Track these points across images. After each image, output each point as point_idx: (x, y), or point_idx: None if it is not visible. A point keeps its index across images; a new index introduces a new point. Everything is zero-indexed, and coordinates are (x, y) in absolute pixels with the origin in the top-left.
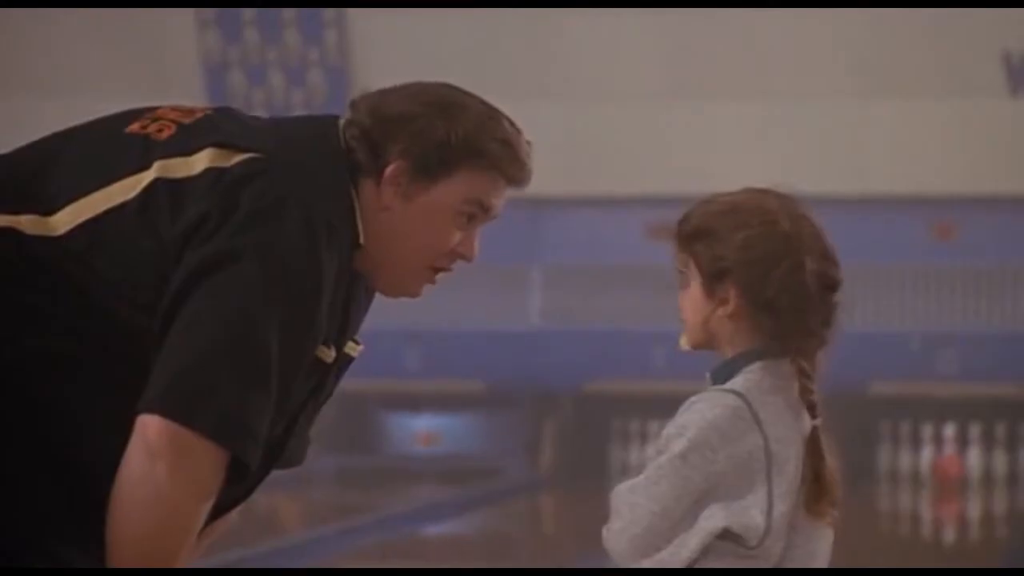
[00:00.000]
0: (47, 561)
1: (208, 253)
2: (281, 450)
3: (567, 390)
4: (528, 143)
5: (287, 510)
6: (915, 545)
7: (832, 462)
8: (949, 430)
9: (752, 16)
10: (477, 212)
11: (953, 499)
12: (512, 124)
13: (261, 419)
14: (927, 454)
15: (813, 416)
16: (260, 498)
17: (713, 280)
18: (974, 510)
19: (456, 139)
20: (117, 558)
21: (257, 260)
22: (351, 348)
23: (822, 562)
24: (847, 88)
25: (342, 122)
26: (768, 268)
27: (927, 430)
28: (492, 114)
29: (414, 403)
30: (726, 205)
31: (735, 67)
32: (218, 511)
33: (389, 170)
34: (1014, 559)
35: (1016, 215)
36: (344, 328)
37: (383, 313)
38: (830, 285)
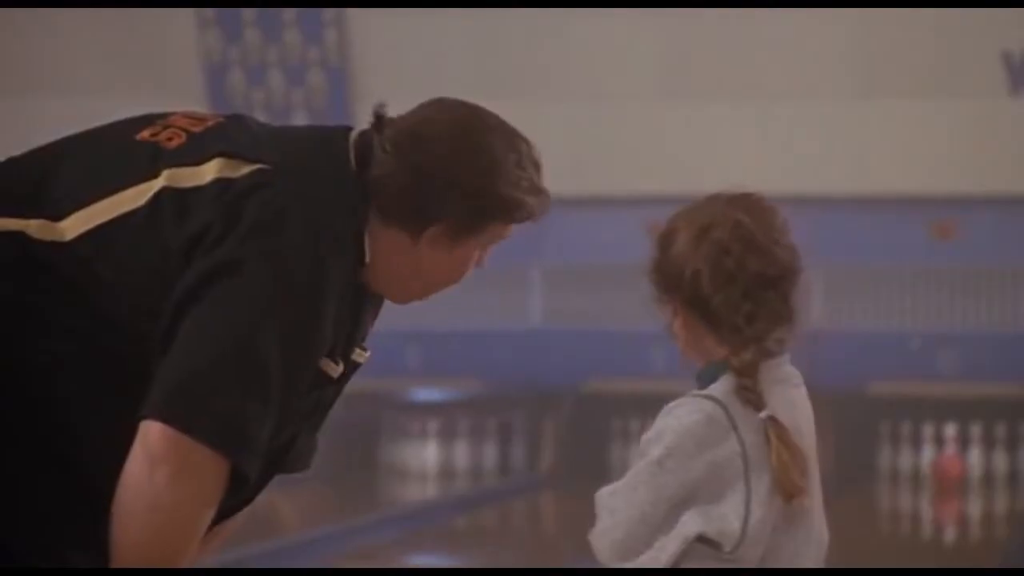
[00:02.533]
0: (47, 562)
1: (213, 262)
2: (284, 458)
3: (567, 390)
4: (542, 171)
5: (286, 510)
6: (915, 545)
7: (788, 452)
8: (949, 430)
9: (752, 16)
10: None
11: (953, 499)
12: (528, 147)
13: (261, 429)
14: (927, 454)
15: (757, 409)
16: (259, 498)
17: (661, 293)
18: (974, 510)
19: (498, 198)
20: (119, 562)
21: (262, 270)
22: (358, 355)
23: (810, 564)
24: (847, 88)
25: (354, 135)
26: (694, 275)
27: (927, 430)
28: (519, 157)
29: (414, 402)
30: (675, 215)
31: (735, 67)
32: (219, 516)
33: (430, 232)
34: (1014, 559)
35: (1016, 215)
36: (352, 341)
37: (383, 313)
38: (766, 282)
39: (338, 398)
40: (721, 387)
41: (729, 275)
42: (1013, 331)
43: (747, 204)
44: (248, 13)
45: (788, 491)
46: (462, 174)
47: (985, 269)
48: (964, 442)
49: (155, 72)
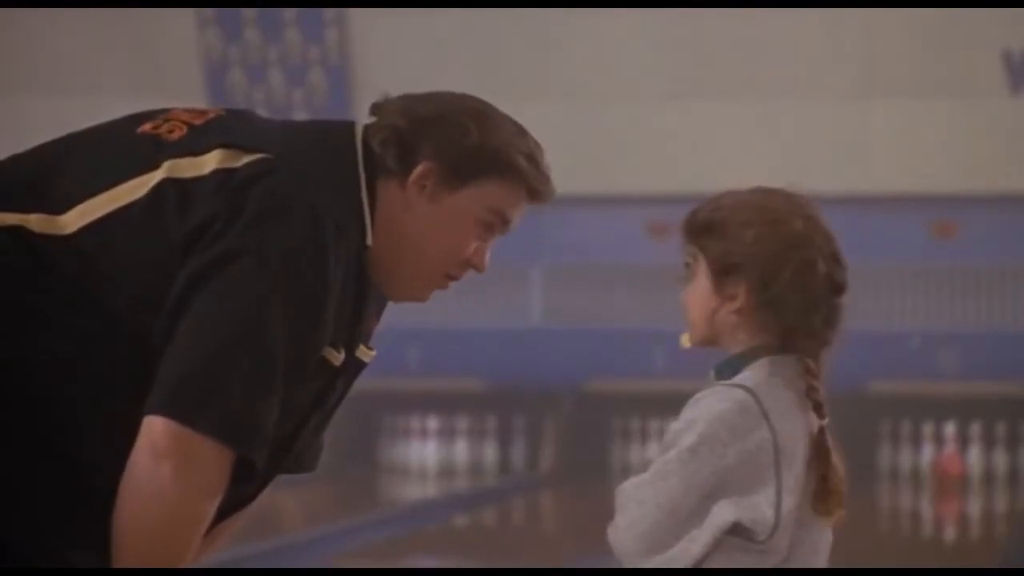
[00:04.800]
0: (47, 562)
1: (214, 254)
2: (288, 450)
3: (568, 389)
4: (548, 164)
5: (286, 508)
6: (915, 544)
7: (839, 462)
8: (950, 429)
9: (752, 16)
10: (496, 223)
11: (954, 497)
12: (536, 142)
13: (267, 419)
14: (928, 453)
15: (820, 416)
16: (260, 496)
17: (722, 275)
18: (974, 509)
19: (489, 148)
20: (122, 558)
21: (263, 260)
22: (364, 353)
23: (823, 561)
24: (847, 88)
25: (361, 125)
26: (778, 266)
27: (928, 429)
28: (521, 129)
29: (414, 402)
30: (737, 202)
31: (735, 67)
32: (224, 512)
33: (418, 170)
34: (1014, 558)
35: (1017, 213)
36: (355, 331)
37: (384, 311)
38: (837, 288)
39: (344, 396)
40: (750, 377)
41: (813, 278)
42: (1013, 330)
43: (811, 205)
44: (248, 12)
45: (839, 503)
46: (454, 115)
47: (985, 268)
48: (964, 441)
49: (156, 71)
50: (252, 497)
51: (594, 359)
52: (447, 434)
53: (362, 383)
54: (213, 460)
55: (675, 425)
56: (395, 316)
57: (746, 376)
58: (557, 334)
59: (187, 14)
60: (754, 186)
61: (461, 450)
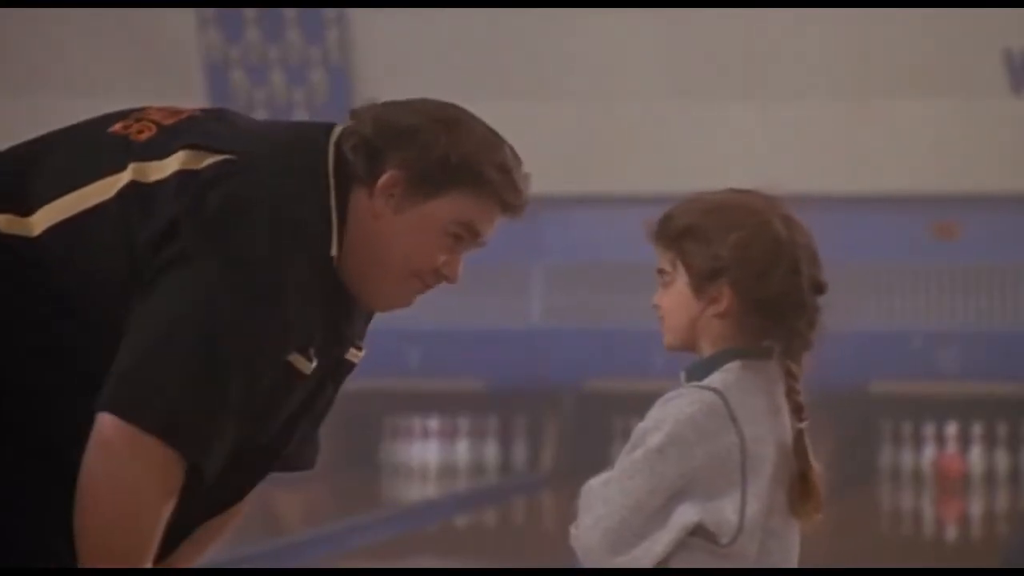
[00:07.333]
0: (39, 556)
1: (171, 255)
2: (275, 455)
3: (568, 389)
4: (526, 175)
5: (286, 508)
6: (917, 543)
7: (817, 465)
8: (951, 429)
9: (752, 16)
10: (465, 235)
11: (955, 497)
12: (513, 152)
13: (212, 420)
14: (929, 453)
15: (800, 419)
16: (260, 496)
17: (704, 279)
18: (976, 509)
19: (457, 158)
20: (83, 553)
21: (218, 261)
22: (352, 355)
23: (793, 565)
24: (847, 88)
25: (338, 130)
26: (765, 268)
27: (929, 429)
28: (495, 140)
29: (415, 402)
30: (714, 205)
31: (735, 67)
32: (213, 510)
33: (384, 179)
34: (1015, 558)
35: (1017, 213)
36: (337, 335)
37: (373, 312)
38: (818, 288)
39: (335, 397)
40: (721, 380)
41: (800, 280)
42: (1014, 330)
43: (786, 206)
44: (249, 12)
45: (817, 507)
46: (424, 123)
47: (985, 267)
48: (965, 441)
49: (156, 71)
50: (240, 497)
51: (594, 359)
52: (448, 434)
53: (363, 383)
54: (160, 458)
55: (643, 424)
56: (395, 316)
57: (716, 378)
58: (557, 334)
59: (187, 14)
60: (725, 188)
61: (462, 450)
